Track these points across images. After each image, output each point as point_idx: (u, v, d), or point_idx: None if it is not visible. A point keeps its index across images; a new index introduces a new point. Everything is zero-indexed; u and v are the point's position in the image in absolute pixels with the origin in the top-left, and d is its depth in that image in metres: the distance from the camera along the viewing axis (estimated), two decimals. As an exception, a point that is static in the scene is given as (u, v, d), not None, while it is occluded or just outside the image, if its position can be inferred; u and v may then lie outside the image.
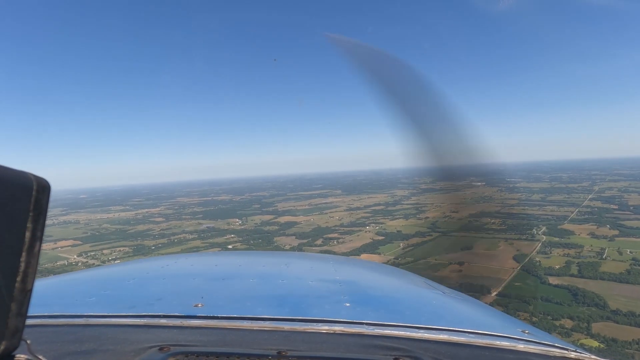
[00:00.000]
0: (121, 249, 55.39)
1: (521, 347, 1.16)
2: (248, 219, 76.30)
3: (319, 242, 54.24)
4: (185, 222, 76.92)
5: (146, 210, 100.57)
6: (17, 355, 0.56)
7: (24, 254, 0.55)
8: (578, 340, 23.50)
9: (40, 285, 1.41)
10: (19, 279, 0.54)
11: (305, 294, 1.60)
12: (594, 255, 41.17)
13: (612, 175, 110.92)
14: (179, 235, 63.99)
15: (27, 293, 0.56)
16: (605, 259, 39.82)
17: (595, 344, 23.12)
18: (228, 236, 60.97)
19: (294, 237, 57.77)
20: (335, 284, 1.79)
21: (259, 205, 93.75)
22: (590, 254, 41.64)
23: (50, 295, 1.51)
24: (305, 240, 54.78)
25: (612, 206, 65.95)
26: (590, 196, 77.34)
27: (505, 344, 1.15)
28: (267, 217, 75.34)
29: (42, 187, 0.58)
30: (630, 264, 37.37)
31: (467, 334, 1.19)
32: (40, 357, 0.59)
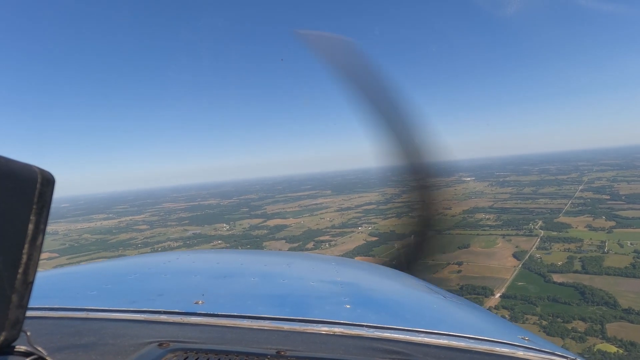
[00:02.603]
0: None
1: (520, 354, 1.14)
2: (236, 223, 73.76)
3: (310, 245, 52.04)
4: (170, 229, 73.98)
5: (130, 217, 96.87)
6: (17, 346, 0.57)
7: (26, 246, 0.55)
8: (594, 346, 21.83)
9: (42, 278, 1.47)
10: (20, 270, 0.55)
11: (306, 295, 1.59)
12: (595, 249, 39.97)
13: (598, 166, 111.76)
14: (164, 244, 61.09)
15: (28, 285, 0.56)
16: (607, 252, 38.61)
17: (613, 349, 21.47)
18: (215, 242, 58.39)
19: (284, 241, 55.57)
20: (336, 285, 1.77)
21: (247, 209, 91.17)
22: (591, 248, 40.45)
23: (51, 288, 1.51)
24: (295, 244, 52.56)
25: (604, 196, 65.60)
26: (580, 187, 77.13)
27: (504, 350, 1.14)
28: (255, 221, 72.91)
29: (47, 181, 0.59)
30: (634, 257, 36.24)
31: (466, 339, 1.17)
32: (40, 348, 0.61)
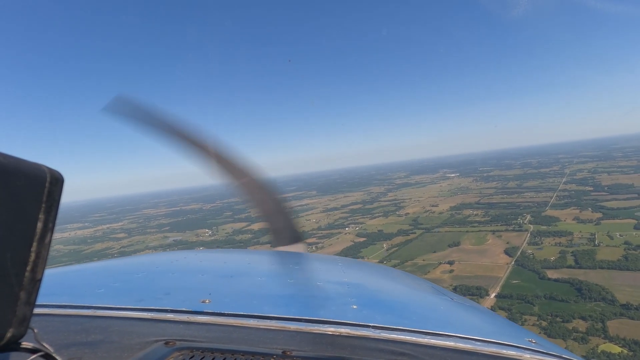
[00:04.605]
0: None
1: (527, 357, 1.13)
2: (219, 228, 71.16)
3: (296, 248, 50.04)
4: (149, 237, 70.80)
5: (107, 225, 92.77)
6: (24, 343, 0.57)
7: (34, 244, 0.56)
8: (598, 346, 20.68)
9: (50, 275, 1.56)
10: (29, 268, 0.55)
11: (312, 295, 1.59)
12: (586, 242, 39.51)
13: (578, 158, 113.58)
14: (142, 252, 58.06)
15: (36, 282, 0.57)
16: (598, 245, 38.18)
17: (617, 349, 20.39)
18: (196, 249, 55.68)
19: (269, 245, 53.32)
20: (342, 285, 1.77)
21: (231, 213, 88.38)
22: (582, 241, 39.96)
23: (59, 286, 1.53)
24: (281, 248, 50.47)
25: (587, 188, 66.08)
26: (564, 179, 77.74)
27: (511, 353, 1.13)
28: (239, 225, 70.38)
29: (55, 180, 0.59)
30: (625, 249, 35.82)
31: (473, 342, 1.17)
32: (46, 345, 0.61)
